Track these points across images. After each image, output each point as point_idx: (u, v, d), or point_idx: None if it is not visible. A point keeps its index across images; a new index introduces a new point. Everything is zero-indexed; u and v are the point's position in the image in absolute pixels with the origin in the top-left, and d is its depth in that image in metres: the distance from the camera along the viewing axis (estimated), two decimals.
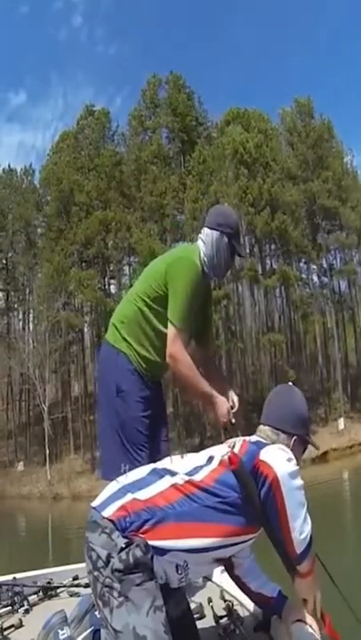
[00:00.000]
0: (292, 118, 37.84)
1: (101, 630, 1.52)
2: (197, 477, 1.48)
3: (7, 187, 39.51)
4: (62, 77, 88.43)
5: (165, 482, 1.46)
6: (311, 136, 36.28)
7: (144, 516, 1.38)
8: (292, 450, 1.56)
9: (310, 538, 1.45)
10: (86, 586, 2.26)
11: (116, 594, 1.31)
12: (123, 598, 1.30)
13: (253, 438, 1.65)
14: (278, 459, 1.44)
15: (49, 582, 2.37)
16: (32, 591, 2.30)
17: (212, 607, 1.91)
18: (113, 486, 1.50)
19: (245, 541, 1.54)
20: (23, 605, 2.14)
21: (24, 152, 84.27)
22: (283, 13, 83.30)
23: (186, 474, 1.49)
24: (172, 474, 1.49)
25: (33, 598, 2.24)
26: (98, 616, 1.45)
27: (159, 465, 1.55)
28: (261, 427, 1.68)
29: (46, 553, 12.27)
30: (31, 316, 39.41)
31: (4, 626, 1.95)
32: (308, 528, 1.44)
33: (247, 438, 1.65)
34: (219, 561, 1.58)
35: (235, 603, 1.92)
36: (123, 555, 1.33)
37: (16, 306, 40.84)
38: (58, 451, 32.29)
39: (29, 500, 28.55)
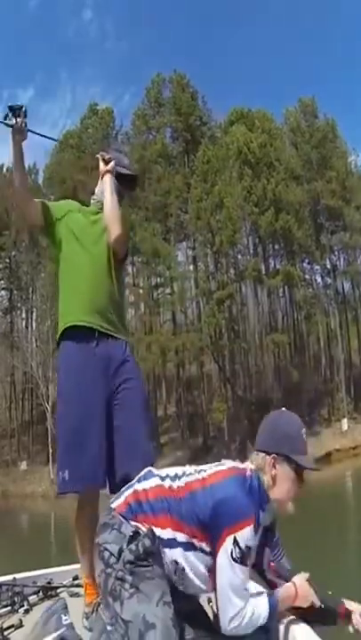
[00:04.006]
0: (295, 118, 37.81)
1: (108, 628, 1.51)
2: (185, 479, 1.56)
3: (11, 185, 39.58)
4: (71, 74, 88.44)
5: (160, 478, 1.57)
6: (315, 136, 36.24)
7: (145, 506, 1.51)
8: (275, 470, 1.56)
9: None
10: None
11: (127, 586, 1.38)
12: (134, 589, 1.38)
13: (238, 467, 1.64)
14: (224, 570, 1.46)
15: (49, 582, 2.37)
16: (32, 591, 2.29)
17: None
18: (127, 485, 1.62)
19: None
20: (23, 605, 2.13)
21: (31, 149, 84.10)
22: (287, 13, 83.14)
23: (173, 477, 1.58)
24: (164, 475, 1.59)
25: (33, 598, 2.23)
26: (105, 615, 1.45)
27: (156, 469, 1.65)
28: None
29: (49, 552, 12.27)
30: (34, 314, 39.53)
31: (4, 626, 1.94)
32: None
33: (235, 466, 1.63)
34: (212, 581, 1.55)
35: None
36: (132, 546, 1.41)
37: (19, 305, 40.97)
38: None
39: (32, 499, 28.61)
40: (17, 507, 26.90)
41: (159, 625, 1.31)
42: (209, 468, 1.60)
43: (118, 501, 1.54)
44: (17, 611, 2.12)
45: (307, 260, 37.84)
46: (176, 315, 36.69)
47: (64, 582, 2.40)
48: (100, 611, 1.53)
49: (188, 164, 37.07)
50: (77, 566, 2.38)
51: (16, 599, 2.19)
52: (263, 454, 1.60)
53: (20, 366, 35.78)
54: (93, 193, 2.50)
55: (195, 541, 1.48)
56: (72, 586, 2.38)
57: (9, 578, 2.40)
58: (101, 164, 2.49)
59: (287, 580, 1.65)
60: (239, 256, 37.05)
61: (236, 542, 1.44)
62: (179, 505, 1.50)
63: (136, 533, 1.44)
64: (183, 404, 34.71)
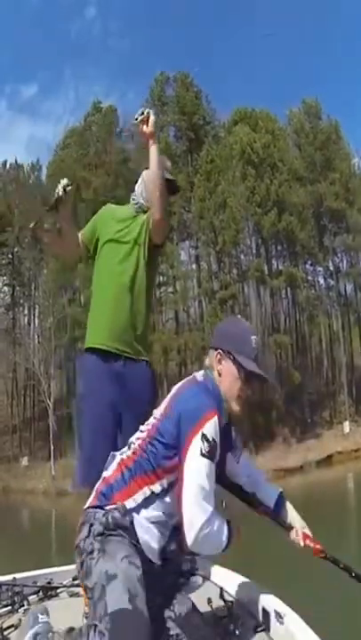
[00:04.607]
0: (299, 119, 37.72)
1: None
2: (141, 435, 1.56)
3: (14, 182, 39.60)
4: (74, 71, 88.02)
5: (123, 452, 1.57)
6: (319, 137, 36.16)
7: (116, 485, 1.48)
8: (220, 365, 1.61)
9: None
10: None
11: (95, 553, 1.36)
12: (100, 553, 1.35)
13: (188, 379, 1.69)
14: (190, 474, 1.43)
15: (49, 582, 2.36)
16: (32, 591, 2.28)
17: (211, 607, 1.89)
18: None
19: None
20: (23, 605, 2.13)
21: (35, 145, 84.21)
22: (287, 13, 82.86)
23: (135, 439, 1.58)
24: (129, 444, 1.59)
25: (33, 598, 2.23)
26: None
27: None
28: None
29: (49, 550, 12.28)
30: (37, 311, 39.56)
31: (4, 626, 1.93)
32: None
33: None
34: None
35: (235, 603, 1.89)
36: (102, 518, 1.40)
37: (22, 301, 41.00)
38: (62, 446, 32.36)
39: (33, 496, 28.62)
40: (17, 503, 26.93)
41: (120, 575, 1.27)
42: (162, 404, 1.62)
43: (90, 498, 1.54)
44: (17, 611, 2.11)
45: (310, 262, 37.79)
46: (178, 314, 36.68)
47: (64, 582, 2.39)
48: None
49: (192, 163, 37.03)
50: None
51: (16, 599, 2.18)
52: (212, 350, 1.65)
53: (22, 363, 35.81)
54: (133, 190, 2.42)
55: (164, 482, 1.47)
56: (72, 586, 2.36)
57: (9, 578, 2.39)
58: (143, 127, 2.15)
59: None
60: (242, 256, 37.03)
61: (204, 437, 1.42)
62: (147, 455, 1.49)
63: (107, 512, 1.42)
64: None
